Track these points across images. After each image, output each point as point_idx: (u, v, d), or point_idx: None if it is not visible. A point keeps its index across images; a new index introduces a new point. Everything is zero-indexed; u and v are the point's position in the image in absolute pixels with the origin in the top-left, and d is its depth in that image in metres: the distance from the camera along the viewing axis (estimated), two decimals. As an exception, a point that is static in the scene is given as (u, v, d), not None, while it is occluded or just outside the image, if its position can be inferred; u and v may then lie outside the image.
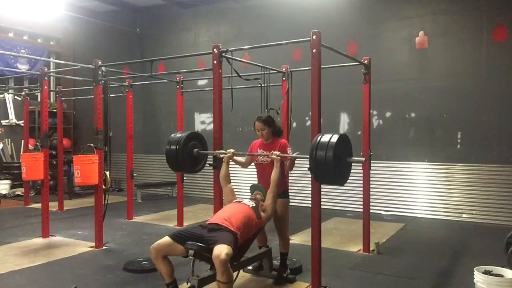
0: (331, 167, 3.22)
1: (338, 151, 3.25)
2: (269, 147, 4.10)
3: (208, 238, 3.25)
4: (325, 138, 3.31)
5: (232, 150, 4.00)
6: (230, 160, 4.04)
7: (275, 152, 3.82)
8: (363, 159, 3.58)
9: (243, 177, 7.92)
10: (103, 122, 5.32)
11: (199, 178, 9.16)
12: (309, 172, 3.51)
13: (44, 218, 5.93)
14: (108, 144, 5.41)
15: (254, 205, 3.76)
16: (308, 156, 3.33)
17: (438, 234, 6.32)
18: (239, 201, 3.82)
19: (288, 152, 4.01)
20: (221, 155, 4.01)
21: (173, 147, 4.09)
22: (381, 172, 7.58)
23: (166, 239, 3.26)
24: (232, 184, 4.06)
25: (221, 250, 3.02)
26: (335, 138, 3.27)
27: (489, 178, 6.96)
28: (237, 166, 4.41)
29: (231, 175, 4.05)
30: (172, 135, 4.24)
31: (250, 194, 4.04)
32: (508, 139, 6.85)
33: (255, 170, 4.28)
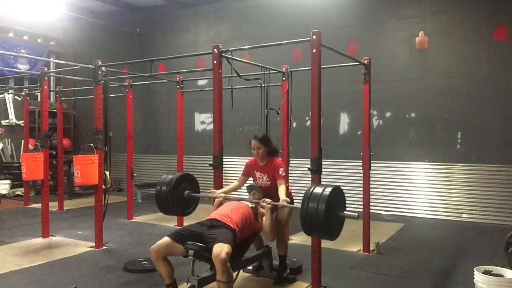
0: (322, 221, 3.04)
1: (331, 204, 3.09)
2: (265, 170, 4.04)
3: (208, 236, 3.26)
4: (318, 190, 3.13)
5: (222, 195, 3.90)
6: (228, 193, 4.00)
7: (267, 200, 3.61)
8: (356, 214, 3.32)
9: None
10: (103, 122, 5.32)
11: (199, 178, 9.10)
12: (308, 172, 3.51)
13: (44, 218, 5.93)
14: (108, 144, 5.41)
15: (253, 206, 3.77)
16: (300, 206, 3.16)
17: (438, 234, 6.32)
18: (239, 200, 3.83)
19: (280, 172, 3.90)
20: (212, 198, 3.93)
21: (163, 188, 3.91)
22: (381, 172, 7.57)
23: (166, 239, 3.27)
24: (230, 184, 4.06)
25: (221, 249, 3.02)
26: (327, 191, 3.10)
27: (489, 178, 6.96)
28: (235, 166, 4.41)
29: (230, 176, 4.05)
30: (163, 176, 4.06)
31: (248, 194, 4.04)
32: (508, 139, 6.85)
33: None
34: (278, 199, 3.71)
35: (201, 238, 3.23)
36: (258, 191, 3.92)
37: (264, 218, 3.65)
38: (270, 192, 3.88)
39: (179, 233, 3.34)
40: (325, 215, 3.03)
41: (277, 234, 4.04)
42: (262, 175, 4.05)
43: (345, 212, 3.29)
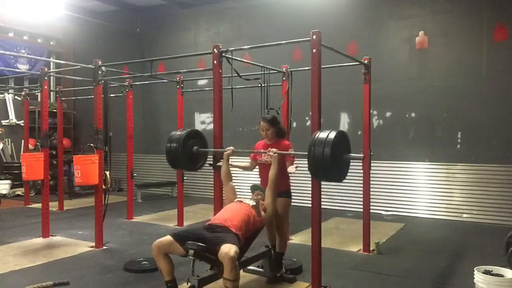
0: (329, 164, 3.23)
1: (336, 147, 3.26)
2: (272, 147, 4.09)
3: (211, 238, 3.26)
4: (323, 134, 3.33)
5: (231, 148, 4.00)
6: (236, 167, 4.06)
7: (273, 149, 3.82)
8: (362, 155, 3.62)
9: (244, 177, 7.91)
10: (103, 122, 5.32)
11: (199, 178, 9.16)
12: (309, 172, 3.51)
13: (44, 218, 5.93)
14: (108, 144, 5.41)
15: (254, 203, 3.77)
16: (306, 153, 3.33)
17: (438, 234, 6.32)
18: (240, 201, 3.83)
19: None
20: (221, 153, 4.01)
21: (173, 144, 4.11)
22: (381, 172, 7.58)
23: (168, 237, 3.28)
24: (233, 183, 4.06)
25: (230, 248, 3.05)
26: (332, 135, 3.29)
27: (490, 178, 6.95)
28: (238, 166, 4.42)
29: (232, 175, 4.06)
30: (172, 132, 4.26)
31: (251, 194, 4.04)
32: (508, 139, 6.85)
33: (257, 170, 4.28)
34: (282, 179, 3.88)
35: (204, 240, 3.24)
36: (261, 191, 3.93)
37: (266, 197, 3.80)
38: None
39: (181, 233, 3.36)
40: (331, 158, 3.22)
41: (278, 228, 4.09)
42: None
43: (350, 154, 3.50)
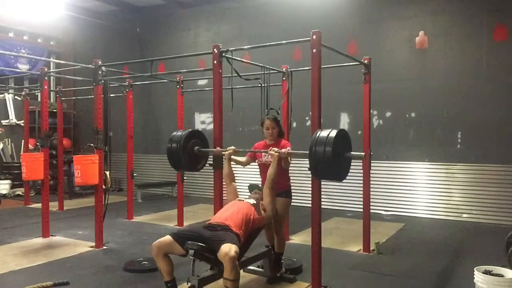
0: (330, 163, 3.22)
1: (337, 146, 3.25)
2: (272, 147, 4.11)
3: (211, 238, 3.26)
4: (324, 133, 3.31)
5: (232, 147, 4.00)
6: (234, 161, 4.05)
7: (274, 149, 3.82)
8: (363, 154, 3.60)
9: (244, 177, 7.92)
10: (103, 122, 5.32)
11: (199, 178, 9.16)
12: (309, 172, 3.52)
13: (44, 218, 5.93)
14: (108, 144, 5.41)
15: (254, 202, 3.77)
16: (307, 152, 3.33)
17: (438, 234, 6.32)
18: (240, 200, 3.83)
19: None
20: (222, 153, 4.01)
21: (174, 145, 4.10)
22: (381, 172, 7.58)
23: (168, 238, 3.27)
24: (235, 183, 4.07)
25: (230, 248, 3.04)
26: (333, 133, 3.28)
27: (489, 178, 6.95)
28: (235, 165, 4.41)
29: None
30: (173, 133, 4.24)
31: (249, 193, 4.05)
32: (508, 139, 6.85)
33: (258, 170, 4.28)
34: (281, 178, 3.88)
35: (204, 240, 3.24)
36: (259, 190, 3.93)
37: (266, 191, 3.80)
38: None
39: (181, 233, 3.35)
40: (333, 157, 3.21)
41: (276, 227, 4.08)
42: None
43: (351, 152, 3.48)
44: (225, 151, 4.00)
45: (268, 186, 3.79)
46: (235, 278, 3.06)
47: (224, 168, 4.01)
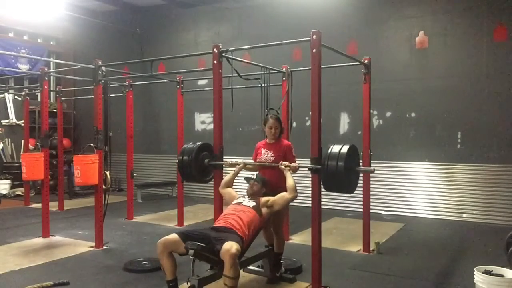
0: (342, 177, 3.40)
1: (349, 161, 3.44)
2: (273, 148, 4.15)
3: (216, 238, 3.29)
4: (336, 149, 3.51)
5: (243, 162, 4.10)
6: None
7: (284, 163, 3.89)
8: (372, 168, 3.82)
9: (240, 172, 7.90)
10: (103, 122, 5.32)
11: (199, 178, 9.14)
12: (309, 172, 3.52)
13: (44, 218, 5.93)
14: (108, 144, 5.41)
15: (254, 204, 3.77)
16: (317, 166, 3.51)
17: (438, 234, 6.32)
18: (239, 203, 3.82)
19: (293, 153, 4.14)
20: (233, 164, 4.12)
21: (186, 157, 4.17)
22: (381, 172, 7.56)
23: (174, 236, 3.29)
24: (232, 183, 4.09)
25: (232, 245, 3.07)
26: (345, 149, 3.48)
27: (489, 178, 6.95)
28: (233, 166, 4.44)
29: (230, 172, 4.10)
30: (184, 145, 4.33)
31: (247, 186, 4.05)
32: (508, 139, 6.85)
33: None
34: (281, 175, 3.92)
35: (209, 240, 3.26)
36: (257, 179, 3.97)
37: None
38: (271, 169, 4.04)
39: (187, 233, 3.37)
40: (345, 171, 3.42)
41: (275, 227, 4.10)
42: (268, 151, 4.16)
43: (361, 167, 3.76)
44: (236, 164, 4.10)
45: (289, 194, 3.81)
46: (234, 275, 3.08)
47: (228, 176, 4.08)
